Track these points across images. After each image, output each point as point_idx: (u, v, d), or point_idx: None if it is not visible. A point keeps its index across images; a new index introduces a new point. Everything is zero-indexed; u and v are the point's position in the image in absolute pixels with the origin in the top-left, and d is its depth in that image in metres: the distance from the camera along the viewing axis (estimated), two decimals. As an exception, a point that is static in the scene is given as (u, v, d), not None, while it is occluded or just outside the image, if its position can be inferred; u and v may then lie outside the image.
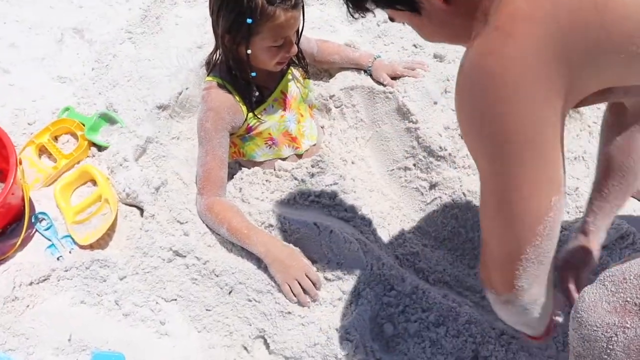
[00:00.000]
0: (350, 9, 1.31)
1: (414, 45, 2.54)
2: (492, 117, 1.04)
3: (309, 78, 2.28)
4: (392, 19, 1.31)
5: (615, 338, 1.07)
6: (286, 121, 2.13)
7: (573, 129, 2.35)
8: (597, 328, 1.11)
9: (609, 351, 1.09)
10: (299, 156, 2.19)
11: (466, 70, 1.08)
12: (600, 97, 1.14)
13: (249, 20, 1.77)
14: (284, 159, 2.17)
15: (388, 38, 2.62)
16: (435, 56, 2.47)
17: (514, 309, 1.25)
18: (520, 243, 1.11)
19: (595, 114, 2.41)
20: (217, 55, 2.06)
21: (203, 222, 1.98)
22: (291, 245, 1.90)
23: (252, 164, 2.16)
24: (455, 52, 2.53)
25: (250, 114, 2.04)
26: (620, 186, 1.62)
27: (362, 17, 1.33)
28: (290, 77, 2.18)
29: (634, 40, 0.94)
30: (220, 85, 2.01)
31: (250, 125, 2.07)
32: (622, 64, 0.99)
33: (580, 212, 2.07)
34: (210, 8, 1.90)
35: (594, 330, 1.12)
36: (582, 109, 2.40)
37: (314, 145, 2.23)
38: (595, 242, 1.69)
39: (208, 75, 2.08)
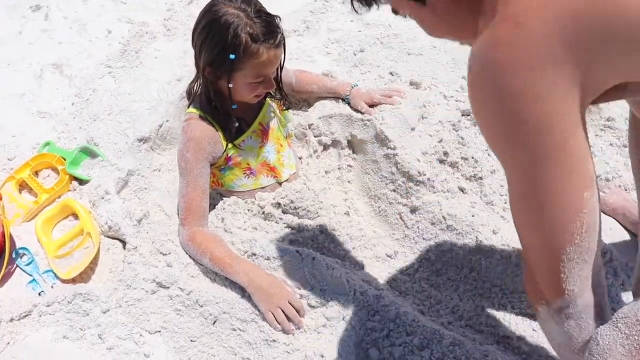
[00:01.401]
0: (355, 3, 1.28)
1: (390, 73, 2.60)
2: (509, 115, 1.02)
3: (289, 109, 2.31)
4: (395, 11, 1.29)
5: None
6: (265, 152, 2.14)
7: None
8: None
9: None
10: (280, 184, 2.21)
11: (476, 67, 1.06)
12: (619, 92, 1.10)
13: (231, 56, 1.78)
14: (263, 188, 2.19)
15: (365, 67, 2.68)
16: (411, 83, 2.52)
17: (569, 320, 1.18)
18: (559, 243, 1.07)
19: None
20: (197, 86, 2.07)
21: (186, 252, 1.98)
22: (274, 273, 1.90)
23: (231, 193, 2.17)
24: (431, 79, 2.59)
25: (230, 145, 2.05)
26: None
27: (367, 11, 1.30)
28: (268, 108, 2.20)
29: None
30: (201, 117, 2.01)
31: (230, 155, 2.08)
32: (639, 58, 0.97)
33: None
34: (193, 39, 1.92)
35: None
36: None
37: (294, 173, 2.26)
38: None
39: (189, 107, 2.08)
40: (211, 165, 2.06)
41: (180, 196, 2.00)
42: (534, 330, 1.93)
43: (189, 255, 1.97)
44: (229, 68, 1.83)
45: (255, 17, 1.79)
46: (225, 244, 1.93)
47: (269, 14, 1.85)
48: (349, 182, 2.38)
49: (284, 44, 1.91)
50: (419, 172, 2.18)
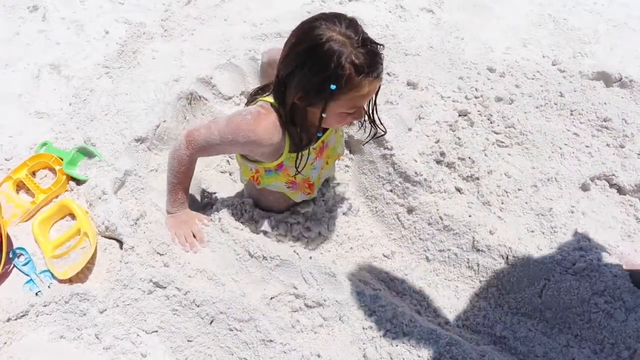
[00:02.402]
0: None
1: (388, 74, 2.61)
2: None
3: (384, 134, 2.04)
4: None
5: None
6: (312, 169, 2.05)
7: (545, 151, 2.41)
8: None
9: None
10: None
11: None
12: None
13: (332, 87, 1.61)
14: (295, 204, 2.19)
15: (362, 67, 2.68)
16: (408, 84, 2.53)
17: None
18: None
19: (566, 135, 2.48)
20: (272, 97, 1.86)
21: (169, 150, 2.00)
22: (199, 214, 2.04)
23: (264, 190, 2.09)
24: (428, 80, 2.60)
25: (290, 154, 1.91)
26: None
27: None
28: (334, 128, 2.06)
29: None
30: (279, 117, 1.84)
31: (284, 164, 1.95)
32: None
33: (554, 232, 2.11)
34: (286, 56, 1.73)
35: None
36: (553, 131, 2.47)
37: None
38: None
39: (266, 96, 1.89)
40: (257, 162, 1.98)
41: (206, 139, 1.88)
42: (529, 330, 1.94)
43: (168, 161, 2.00)
44: (327, 98, 1.66)
45: (360, 46, 1.60)
46: (190, 179, 2.05)
47: (374, 43, 1.65)
48: (347, 182, 2.38)
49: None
50: (415, 173, 2.19)
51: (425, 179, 2.18)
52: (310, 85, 1.66)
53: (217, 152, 2.04)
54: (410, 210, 2.19)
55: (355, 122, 1.91)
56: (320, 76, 1.62)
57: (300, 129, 1.84)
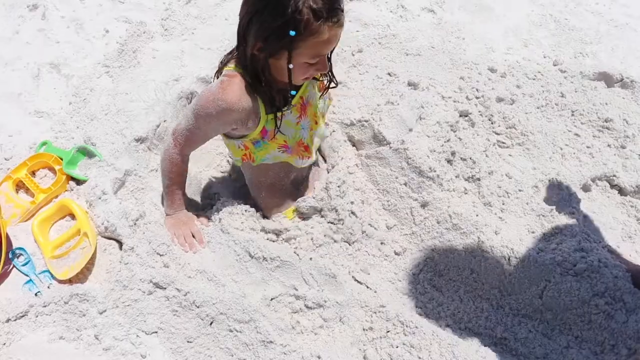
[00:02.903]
0: None
1: (389, 74, 2.60)
2: None
3: (335, 86, 2.08)
4: None
5: None
6: (301, 129, 2.02)
7: (546, 151, 2.41)
8: None
9: None
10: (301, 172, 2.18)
11: None
12: None
13: (292, 33, 1.59)
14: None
15: (363, 67, 2.68)
16: (409, 84, 2.52)
17: None
18: None
19: (567, 136, 2.48)
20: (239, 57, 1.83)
21: (160, 154, 2.04)
22: (199, 214, 2.08)
23: (262, 166, 2.04)
24: (429, 80, 2.59)
25: (268, 116, 1.87)
26: None
27: None
28: (310, 82, 2.00)
29: None
30: (244, 80, 1.80)
31: (267, 128, 1.90)
32: None
33: (555, 233, 2.11)
34: (243, 11, 1.70)
35: None
36: (554, 132, 2.47)
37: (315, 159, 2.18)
38: None
39: (229, 64, 1.86)
40: (241, 137, 1.94)
41: (186, 127, 1.89)
42: (530, 331, 1.93)
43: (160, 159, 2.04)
44: (288, 46, 1.64)
45: None
46: (184, 180, 2.07)
47: None
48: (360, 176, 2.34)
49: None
50: (430, 168, 2.16)
51: (438, 175, 2.17)
52: (269, 31, 1.62)
53: (202, 138, 1.96)
54: (423, 205, 2.16)
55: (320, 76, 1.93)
56: (278, 21, 1.58)
57: (269, 87, 1.80)
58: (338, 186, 2.11)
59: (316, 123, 2.08)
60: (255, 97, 1.82)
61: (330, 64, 1.86)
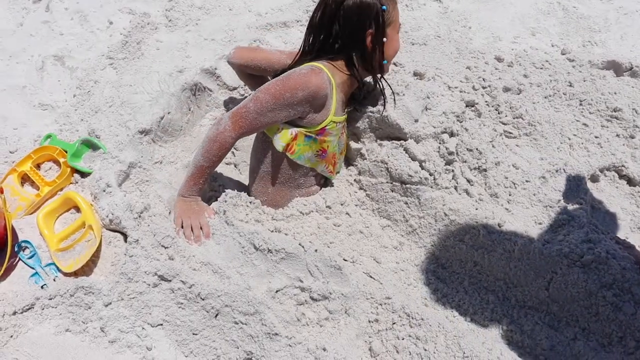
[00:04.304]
0: None
1: (394, 64, 2.57)
2: None
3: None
4: None
5: None
6: (339, 144, 2.18)
7: (553, 141, 2.38)
8: None
9: None
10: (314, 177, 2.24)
11: None
12: None
13: (384, 7, 1.95)
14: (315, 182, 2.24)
15: (368, 57, 2.65)
16: (415, 74, 2.49)
17: None
18: None
19: (575, 126, 2.45)
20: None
21: (210, 130, 2.02)
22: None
23: (288, 163, 2.14)
24: (435, 70, 2.56)
25: (333, 118, 2.06)
26: None
27: None
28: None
29: None
30: (327, 78, 2.01)
31: (327, 128, 2.07)
32: None
33: (562, 224, 2.09)
34: (338, 23, 1.99)
35: None
36: (562, 122, 2.44)
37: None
38: None
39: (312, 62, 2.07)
40: (302, 126, 2.05)
41: (256, 110, 1.98)
42: (536, 324, 1.92)
43: (204, 139, 2.03)
44: (383, 23, 1.97)
45: None
46: (216, 166, 2.07)
47: None
48: (355, 180, 2.35)
49: None
50: (421, 168, 2.16)
51: (430, 174, 2.15)
52: (369, 17, 1.95)
53: (267, 122, 2.01)
54: (416, 207, 2.16)
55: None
56: (371, 4, 1.94)
57: (373, 73, 2.09)
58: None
59: (342, 153, 2.28)
60: (332, 95, 2.03)
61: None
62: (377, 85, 2.21)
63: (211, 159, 2.01)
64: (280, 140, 2.05)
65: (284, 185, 2.17)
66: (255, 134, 2.18)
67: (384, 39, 2.00)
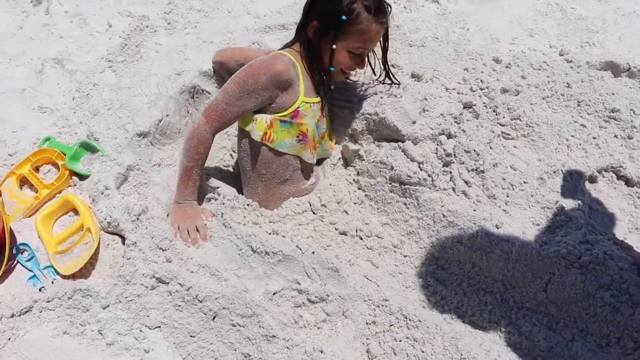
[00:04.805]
0: None
1: (392, 66, 2.57)
2: None
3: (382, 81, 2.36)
4: None
5: None
6: (317, 126, 2.17)
7: (551, 142, 2.38)
8: None
9: None
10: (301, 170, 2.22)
11: None
12: None
13: (343, 17, 1.95)
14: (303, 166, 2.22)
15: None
16: (413, 75, 2.50)
17: None
18: None
19: (573, 127, 2.45)
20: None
21: (186, 133, 2.07)
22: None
23: (271, 154, 2.13)
24: (433, 71, 2.57)
25: (304, 99, 2.08)
26: None
27: None
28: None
29: None
30: (290, 61, 2.06)
31: (299, 110, 2.08)
32: None
33: (560, 225, 2.09)
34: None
35: None
36: (560, 123, 2.44)
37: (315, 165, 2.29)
38: None
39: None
40: (273, 112, 2.07)
41: (224, 100, 2.03)
42: (534, 325, 1.92)
43: (184, 142, 2.07)
44: (336, 29, 1.99)
45: None
46: (203, 165, 2.10)
47: None
48: (354, 181, 2.35)
49: (388, 30, 2.11)
50: (420, 169, 2.16)
51: (429, 175, 2.15)
52: (326, 12, 1.99)
53: (237, 111, 2.05)
54: (415, 208, 2.16)
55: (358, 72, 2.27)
56: (336, 4, 1.95)
57: (312, 64, 2.10)
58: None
59: (322, 138, 2.27)
60: (298, 76, 2.07)
61: (387, 63, 2.27)
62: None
63: (193, 157, 2.04)
64: (257, 130, 2.07)
65: (271, 182, 2.16)
66: (239, 136, 2.20)
67: (333, 46, 2.02)
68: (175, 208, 2.08)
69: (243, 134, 2.14)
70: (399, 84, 2.34)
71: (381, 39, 2.14)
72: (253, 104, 2.03)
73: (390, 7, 2.06)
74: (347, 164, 2.38)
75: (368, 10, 1.95)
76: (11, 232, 1.99)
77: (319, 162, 2.33)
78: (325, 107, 2.23)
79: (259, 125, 2.06)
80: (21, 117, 2.41)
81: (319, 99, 2.15)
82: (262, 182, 2.14)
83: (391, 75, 2.32)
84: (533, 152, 2.36)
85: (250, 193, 2.20)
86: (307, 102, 2.09)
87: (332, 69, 2.09)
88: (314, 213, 2.16)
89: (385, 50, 2.19)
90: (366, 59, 2.15)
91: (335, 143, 2.41)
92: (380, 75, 2.32)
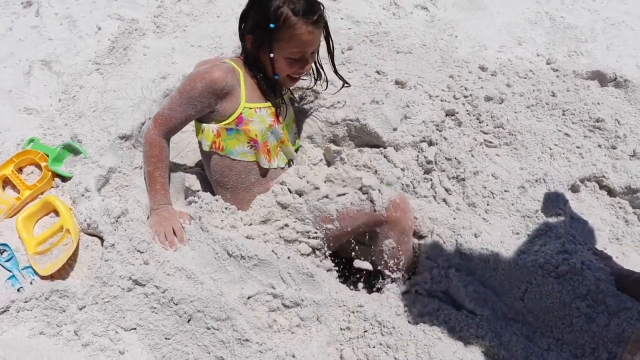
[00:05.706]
0: None
1: (377, 72, 2.59)
2: None
3: (320, 83, 2.32)
4: None
5: None
6: (270, 132, 2.13)
7: (534, 151, 2.38)
8: None
9: None
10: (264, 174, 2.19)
11: None
12: None
13: (271, 25, 1.92)
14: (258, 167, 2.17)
15: (352, 65, 2.67)
16: (396, 82, 2.51)
17: None
18: None
19: (557, 136, 2.46)
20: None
21: (143, 147, 2.12)
22: (182, 212, 2.09)
23: (227, 160, 2.11)
24: (417, 78, 2.57)
25: (246, 105, 2.06)
26: None
27: None
28: (289, 97, 2.29)
29: None
30: (230, 69, 2.05)
31: (243, 116, 2.06)
32: None
33: (540, 234, 2.09)
34: (242, 12, 2.07)
35: None
36: (544, 131, 2.44)
37: (282, 168, 2.23)
38: None
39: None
40: (219, 122, 2.07)
41: (169, 107, 2.06)
42: (514, 334, 1.91)
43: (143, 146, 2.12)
44: (269, 37, 1.96)
45: None
46: (166, 168, 2.13)
47: None
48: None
49: (326, 28, 2.06)
50: (398, 178, 2.17)
51: (410, 183, 2.16)
52: (253, 25, 2.00)
53: (181, 117, 2.07)
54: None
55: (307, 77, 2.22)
56: (262, 15, 1.94)
57: (261, 77, 2.09)
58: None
59: (282, 142, 2.21)
60: (239, 83, 2.06)
61: (321, 67, 2.23)
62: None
63: (151, 160, 2.08)
64: (206, 140, 2.09)
65: (237, 189, 2.15)
66: (199, 147, 2.19)
67: (271, 55, 2.00)
68: (152, 215, 2.10)
69: (199, 144, 2.15)
70: (349, 85, 2.33)
71: (323, 39, 2.11)
72: (193, 111, 2.04)
73: (323, 6, 2.01)
74: (329, 165, 2.39)
75: (295, 13, 1.92)
76: (-9, 233, 2.00)
77: (289, 164, 2.29)
78: (287, 112, 2.21)
79: (207, 136, 2.08)
80: (7, 119, 2.42)
81: (268, 104, 2.12)
82: (229, 189, 2.14)
83: (340, 76, 2.28)
84: (515, 160, 2.36)
85: (223, 200, 2.20)
86: (250, 108, 2.07)
87: (276, 77, 2.07)
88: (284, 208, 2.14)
89: (330, 49, 2.16)
90: (311, 63, 2.11)
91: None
92: (320, 78, 2.28)
